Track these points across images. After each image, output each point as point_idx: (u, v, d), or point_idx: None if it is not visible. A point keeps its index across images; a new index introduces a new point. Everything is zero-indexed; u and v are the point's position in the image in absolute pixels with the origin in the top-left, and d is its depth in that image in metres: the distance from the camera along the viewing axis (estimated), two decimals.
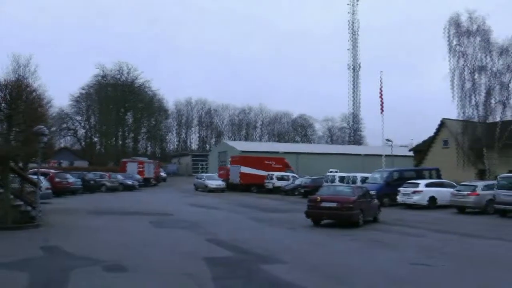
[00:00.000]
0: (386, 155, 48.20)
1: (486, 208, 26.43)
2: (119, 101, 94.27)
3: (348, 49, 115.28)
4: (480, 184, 28.21)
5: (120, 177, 49.23)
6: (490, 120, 38.66)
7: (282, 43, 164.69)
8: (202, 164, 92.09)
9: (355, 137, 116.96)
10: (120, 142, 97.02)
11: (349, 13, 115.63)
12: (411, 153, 60.87)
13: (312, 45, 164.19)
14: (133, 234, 17.44)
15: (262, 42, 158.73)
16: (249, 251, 13.81)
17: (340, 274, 10.97)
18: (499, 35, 38.47)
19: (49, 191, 29.07)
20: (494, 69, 38.23)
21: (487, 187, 27.02)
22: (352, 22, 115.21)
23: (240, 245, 14.70)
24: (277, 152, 67.35)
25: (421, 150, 54.68)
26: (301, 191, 41.21)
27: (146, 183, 56.22)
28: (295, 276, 10.51)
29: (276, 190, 46.16)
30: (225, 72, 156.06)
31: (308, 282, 10.05)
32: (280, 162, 53.65)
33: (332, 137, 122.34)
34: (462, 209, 27.43)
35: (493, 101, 38.43)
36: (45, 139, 19.52)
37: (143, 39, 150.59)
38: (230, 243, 15.19)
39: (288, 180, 47.41)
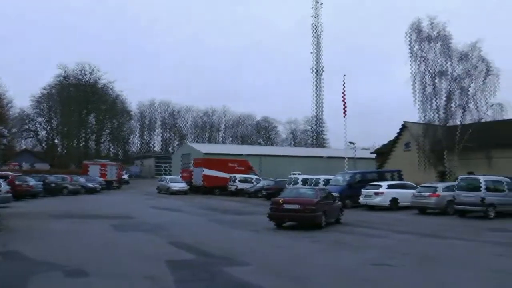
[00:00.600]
0: (348, 158, 48.56)
1: (446, 209, 26.95)
2: (81, 102, 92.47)
3: (312, 52, 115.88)
4: (440, 185, 28.77)
5: (82, 180, 48.34)
6: (450, 123, 39.41)
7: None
8: (165, 166, 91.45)
9: (318, 139, 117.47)
10: (82, 144, 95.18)
11: (312, 16, 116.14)
12: (374, 156, 61.60)
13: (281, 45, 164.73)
14: (95, 237, 17.19)
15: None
16: (212, 253, 13.75)
17: (303, 276, 11.01)
18: (459, 41, 39.18)
19: (9, 194, 28.29)
20: (454, 74, 39.01)
21: (447, 189, 27.57)
22: (316, 26, 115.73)
23: (203, 248, 14.64)
24: (240, 155, 67.21)
25: (383, 152, 55.29)
26: (264, 193, 41.04)
27: (108, 185, 55.20)
28: (258, 278, 10.51)
29: (239, 193, 46.11)
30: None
31: (271, 284, 10.09)
32: (243, 164, 53.71)
33: (295, 139, 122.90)
34: (423, 210, 27.90)
35: (453, 105, 39.28)
36: (5, 140, 19.16)
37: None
38: (193, 245, 15.11)
39: (251, 182, 47.50)
